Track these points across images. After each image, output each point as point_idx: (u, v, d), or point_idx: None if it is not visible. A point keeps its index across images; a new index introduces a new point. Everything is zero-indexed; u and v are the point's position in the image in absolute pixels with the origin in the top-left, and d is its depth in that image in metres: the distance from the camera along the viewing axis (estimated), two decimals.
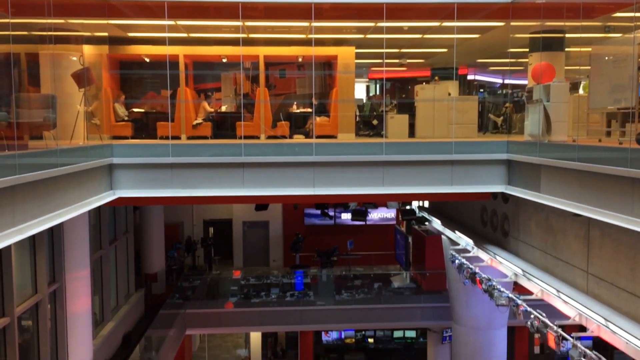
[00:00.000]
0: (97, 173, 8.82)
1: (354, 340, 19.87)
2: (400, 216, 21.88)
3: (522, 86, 13.08)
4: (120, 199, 9.48)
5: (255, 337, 19.64)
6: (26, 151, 7.18)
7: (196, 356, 21.12)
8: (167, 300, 17.23)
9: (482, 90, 19.74)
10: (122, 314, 15.21)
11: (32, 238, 10.30)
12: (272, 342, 19.85)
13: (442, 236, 15.26)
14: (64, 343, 11.43)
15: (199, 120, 11.61)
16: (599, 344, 11.10)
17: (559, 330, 8.02)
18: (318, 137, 10.81)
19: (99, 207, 13.19)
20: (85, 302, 11.85)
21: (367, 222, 23.40)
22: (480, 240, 12.33)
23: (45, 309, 10.57)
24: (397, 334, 19.84)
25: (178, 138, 11.09)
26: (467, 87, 18.75)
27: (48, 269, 10.97)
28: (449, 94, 12.22)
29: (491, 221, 12.34)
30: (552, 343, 8.10)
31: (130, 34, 12.45)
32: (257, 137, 11.17)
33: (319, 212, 22.96)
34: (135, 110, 12.21)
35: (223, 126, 12.02)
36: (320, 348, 19.81)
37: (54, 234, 11.36)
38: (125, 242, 16.35)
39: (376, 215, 24.24)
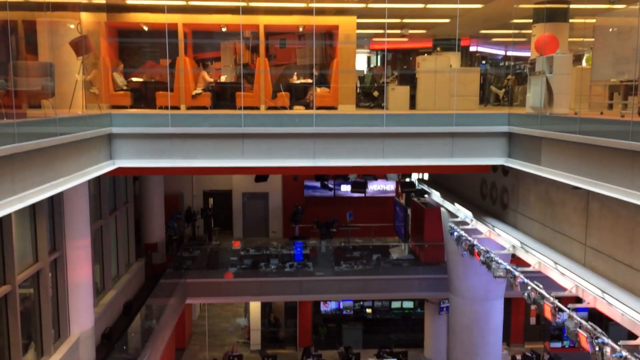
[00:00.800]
0: (96, 142, 8.79)
1: (352, 310, 20.09)
2: (399, 188, 21.92)
3: (525, 58, 12.96)
4: (119, 169, 9.47)
5: (255, 306, 19.86)
6: (25, 119, 7.14)
7: (196, 325, 21.40)
8: (167, 270, 17.37)
9: (484, 62, 19.58)
10: (122, 282, 15.34)
11: (33, 207, 10.32)
12: (268, 312, 20.10)
13: (441, 208, 15.31)
14: (65, 311, 11.56)
15: (199, 91, 11.52)
16: (594, 316, 11.23)
17: (556, 301, 8.10)
18: (318, 108, 10.74)
19: (98, 177, 13.19)
20: (86, 271, 11.94)
21: (367, 194, 23.45)
22: (479, 212, 12.37)
23: (46, 277, 10.65)
24: (395, 304, 20.07)
25: (177, 108, 11.01)
26: (469, 59, 18.59)
27: (49, 237, 11.02)
28: (451, 66, 12.10)
29: (490, 194, 12.36)
30: (548, 314, 8.19)
31: (129, 1, 12.28)
32: (257, 108, 11.10)
33: (318, 183, 23.01)
34: (134, 79, 12.10)
35: (223, 96, 11.94)
36: (318, 318, 20.06)
37: (54, 203, 11.38)
38: (125, 212, 16.40)
39: (375, 187, 24.27)
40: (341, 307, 19.99)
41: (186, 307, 18.46)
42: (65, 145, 7.45)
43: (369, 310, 20.13)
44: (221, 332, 21.14)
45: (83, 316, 11.90)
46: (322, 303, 19.91)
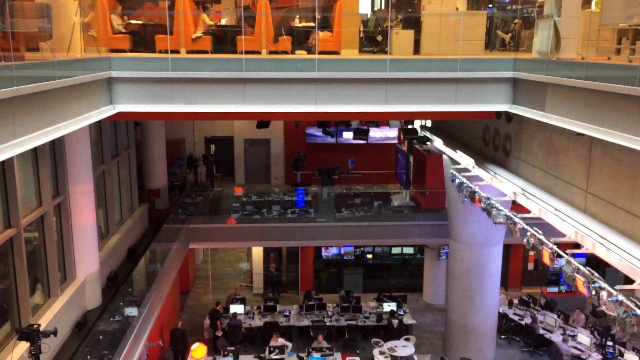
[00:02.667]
0: (96, 86, 8.70)
1: (353, 256, 20.39)
2: (401, 135, 21.83)
3: (532, 2, 12.61)
4: (120, 113, 9.41)
5: (257, 251, 20.16)
6: (23, 62, 7.03)
7: (200, 269, 21.80)
8: (170, 215, 17.53)
9: (491, 5, 19.05)
10: (126, 227, 15.52)
11: (34, 152, 10.32)
12: (274, 256, 20.40)
13: (443, 155, 15.30)
14: (70, 254, 11.75)
15: (199, 34, 11.27)
16: (592, 262, 11.41)
17: (554, 247, 8.21)
18: (320, 53, 10.53)
19: (99, 122, 13.15)
20: (89, 215, 12.06)
21: (369, 141, 23.38)
22: (482, 159, 12.36)
23: (50, 221, 10.76)
24: (395, 250, 20.34)
25: (177, 52, 10.82)
26: (476, 2, 18.10)
27: (52, 182, 11.08)
28: (457, 9, 11.80)
29: (493, 141, 12.32)
30: (546, 259, 8.31)
31: None
32: (258, 53, 10.89)
33: (320, 130, 22.90)
34: (133, 22, 11.83)
35: (223, 40, 11.69)
36: (320, 263, 20.38)
37: (56, 148, 11.38)
38: (127, 157, 16.42)
39: (378, 134, 24.17)
40: (342, 252, 20.28)
41: (190, 251, 18.74)
42: (65, 89, 7.38)
43: (369, 256, 20.43)
44: (224, 276, 21.55)
45: (88, 259, 12.11)
46: (323, 249, 20.19)
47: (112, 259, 14.05)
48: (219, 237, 17.86)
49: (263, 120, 17.45)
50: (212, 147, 24.29)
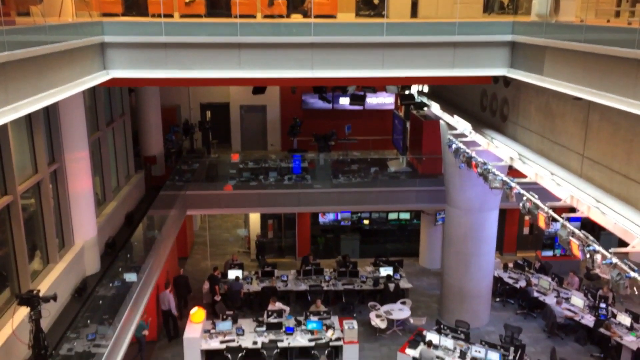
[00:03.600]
0: (89, 52, 8.58)
1: (349, 221, 20.50)
2: (398, 101, 21.70)
3: None
4: (114, 79, 9.31)
5: (255, 217, 20.25)
6: (14, 27, 6.91)
7: (198, 235, 21.93)
8: (166, 182, 17.52)
9: None
10: (123, 194, 15.53)
11: (29, 118, 10.24)
12: (275, 223, 20.46)
13: (440, 121, 15.24)
14: (68, 220, 11.78)
15: None
16: (586, 226, 11.50)
17: (550, 211, 8.25)
18: (316, 16, 10.37)
19: (93, 89, 13.01)
20: (86, 182, 12.05)
21: (366, 107, 23.26)
22: (479, 124, 12.32)
23: (47, 188, 10.76)
24: (392, 216, 20.45)
25: (171, 16, 10.64)
26: None
27: (47, 149, 11.03)
28: None
29: (491, 105, 12.27)
30: (542, 223, 8.37)
31: None
32: (253, 17, 10.72)
33: (317, 96, 22.71)
34: None
35: (217, 4, 11.49)
36: (317, 229, 20.50)
37: (50, 115, 11.29)
38: (122, 124, 16.31)
39: (374, 100, 24.02)
40: (339, 218, 20.38)
41: (187, 218, 18.82)
42: (57, 54, 7.27)
43: (366, 222, 20.55)
44: (222, 242, 21.70)
45: (86, 226, 12.15)
46: (320, 215, 20.29)
47: (110, 226, 14.10)
48: (216, 203, 17.90)
49: (259, 86, 17.30)
50: (208, 113, 24.12)
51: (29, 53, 6.44)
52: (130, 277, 11.95)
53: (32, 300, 8.36)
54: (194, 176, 18.97)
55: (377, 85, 20.51)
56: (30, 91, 6.61)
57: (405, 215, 20.44)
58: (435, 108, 15.39)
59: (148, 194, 17.47)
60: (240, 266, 17.31)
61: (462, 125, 12.57)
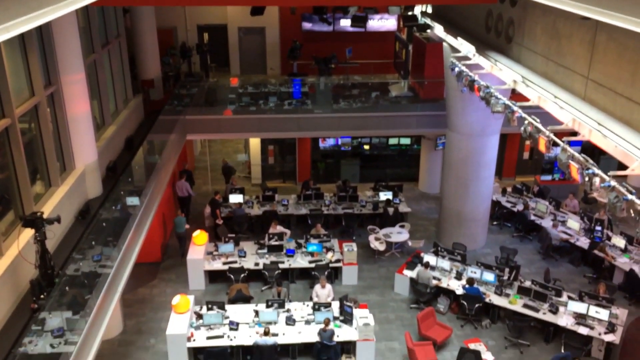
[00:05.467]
0: None
1: (350, 147, 20.48)
2: (401, 22, 21.12)
3: None
4: None
5: (255, 142, 20.22)
6: None
7: (198, 160, 22.00)
8: (165, 107, 17.36)
9: None
10: (122, 118, 15.43)
11: (22, 40, 10.01)
12: (275, 148, 20.43)
13: (444, 43, 14.89)
14: (68, 144, 11.77)
15: None
16: (586, 150, 11.53)
17: (551, 135, 8.22)
18: None
19: (86, 8, 12.66)
20: (84, 105, 11.93)
21: (367, 29, 22.66)
22: (483, 46, 12.05)
23: (44, 111, 10.67)
24: (392, 141, 20.39)
25: None
26: None
27: (42, 72, 10.85)
28: None
29: (496, 27, 11.95)
30: (542, 147, 8.35)
31: None
32: None
33: (317, 17, 22.09)
34: None
35: None
36: (317, 154, 20.52)
37: (44, 36, 11.01)
38: (118, 46, 15.96)
39: (376, 22, 23.38)
40: (339, 143, 20.34)
41: (187, 143, 18.80)
42: None
43: (366, 147, 20.51)
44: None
45: (86, 149, 12.15)
46: (320, 140, 20.23)
47: (110, 150, 14.10)
48: (216, 128, 17.82)
49: (257, 6, 16.77)
50: (206, 35, 23.54)
51: None
52: (133, 200, 12.09)
53: (36, 222, 8.50)
54: (193, 101, 18.77)
55: (379, 5, 19.90)
56: (21, 10, 6.36)
57: (405, 141, 20.38)
58: (438, 30, 14.99)
59: (147, 118, 17.36)
60: (242, 191, 17.47)
61: (465, 47, 12.29)
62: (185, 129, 17.17)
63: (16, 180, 9.60)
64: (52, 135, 11.08)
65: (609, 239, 14.91)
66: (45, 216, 8.72)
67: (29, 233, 8.93)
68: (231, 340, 11.56)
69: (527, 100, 9.80)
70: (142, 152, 14.90)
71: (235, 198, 16.75)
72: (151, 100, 18.27)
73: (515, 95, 10.98)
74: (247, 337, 11.64)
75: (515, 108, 9.42)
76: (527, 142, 19.75)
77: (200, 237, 14.54)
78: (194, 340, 11.55)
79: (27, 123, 10.46)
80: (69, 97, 11.63)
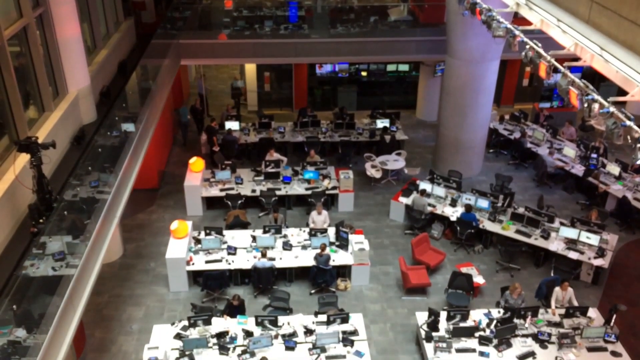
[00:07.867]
0: None
1: (347, 73, 20.16)
2: None
3: None
4: None
5: (251, 68, 19.86)
6: None
7: (193, 86, 21.68)
8: (158, 30, 16.89)
9: None
10: (114, 42, 15.05)
11: None
12: (271, 74, 20.08)
13: None
14: (59, 68, 11.52)
15: None
16: (587, 77, 11.37)
17: (552, 60, 8.07)
18: None
19: None
20: (74, 28, 11.59)
21: None
22: None
23: (34, 33, 10.37)
24: (391, 67, 20.06)
25: None
26: None
27: None
28: None
29: None
30: (543, 73, 8.21)
31: None
32: None
33: None
34: None
35: None
36: (314, 80, 20.22)
37: None
38: None
39: None
40: (336, 70, 20.00)
41: (182, 68, 18.45)
42: None
43: (364, 74, 20.20)
44: (219, 93, 21.55)
45: (78, 73, 11.92)
46: (317, 66, 19.88)
47: (103, 74, 13.84)
48: (211, 53, 17.42)
49: None
50: None
51: None
52: (128, 126, 11.99)
53: (31, 147, 8.45)
54: (187, 24, 18.25)
55: None
56: None
57: (404, 67, 20.06)
58: None
59: (139, 42, 16.95)
60: (238, 117, 17.33)
61: None
62: (179, 54, 16.80)
63: (9, 105, 9.46)
64: (43, 59, 10.82)
65: (604, 166, 14.99)
66: (40, 141, 8.66)
67: (24, 158, 8.91)
68: (229, 264, 11.83)
69: (529, 24, 9.54)
70: (135, 77, 14.63)
71: (231, 125, 16.64)
72: (143, 23, 17.76)
73: (517, 20, 10.69)
74: (245, 261, 11.90)
75: (517, 32, 9.18)
76: (527, 69, 19.45)
77: (197, 163, 14.55)
78: (192, 264, 11.81)
79: (17, 46, 10.19)
80: (58, 19, 11.27)
